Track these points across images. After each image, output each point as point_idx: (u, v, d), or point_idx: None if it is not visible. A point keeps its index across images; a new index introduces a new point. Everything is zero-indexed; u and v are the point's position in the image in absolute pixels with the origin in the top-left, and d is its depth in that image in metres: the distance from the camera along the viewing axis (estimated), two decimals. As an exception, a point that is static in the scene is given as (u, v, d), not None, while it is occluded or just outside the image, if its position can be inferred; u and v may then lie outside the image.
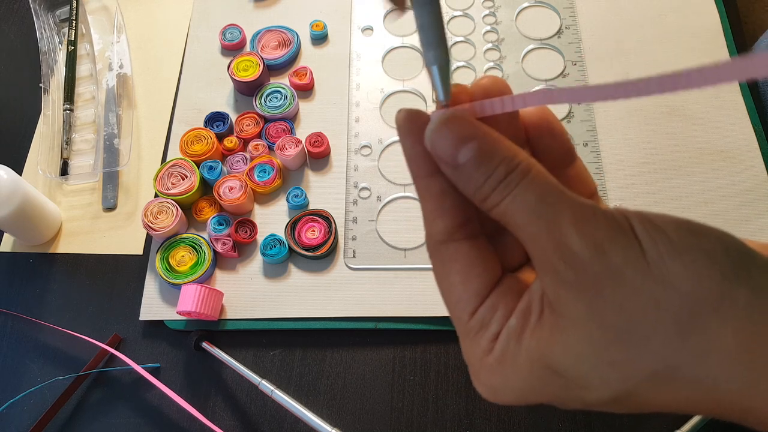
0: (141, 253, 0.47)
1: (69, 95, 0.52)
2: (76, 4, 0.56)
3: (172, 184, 0.46)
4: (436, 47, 0.21)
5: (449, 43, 0.46)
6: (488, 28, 0.53)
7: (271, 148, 0.48)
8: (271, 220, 0.47)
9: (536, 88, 0.51)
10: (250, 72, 0.50)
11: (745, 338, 0.16)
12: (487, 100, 0.21)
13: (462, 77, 0.51)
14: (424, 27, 0.21)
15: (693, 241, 0.17)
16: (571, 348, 0.18)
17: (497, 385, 0.20)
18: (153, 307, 0.44)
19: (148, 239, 0.47)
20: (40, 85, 0.53)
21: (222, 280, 0.45)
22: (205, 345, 0.42)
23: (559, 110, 0.49)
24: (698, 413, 0.18)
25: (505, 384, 0.20)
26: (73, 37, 0.55)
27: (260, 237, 0.46)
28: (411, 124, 0.21)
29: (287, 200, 0.47)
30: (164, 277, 0.44)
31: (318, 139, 0.48)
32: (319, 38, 0.54)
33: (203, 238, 0.45)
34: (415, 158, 0.21)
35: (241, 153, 0.48)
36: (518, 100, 0.20)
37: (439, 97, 0.21)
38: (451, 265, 0.21)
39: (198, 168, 0.47)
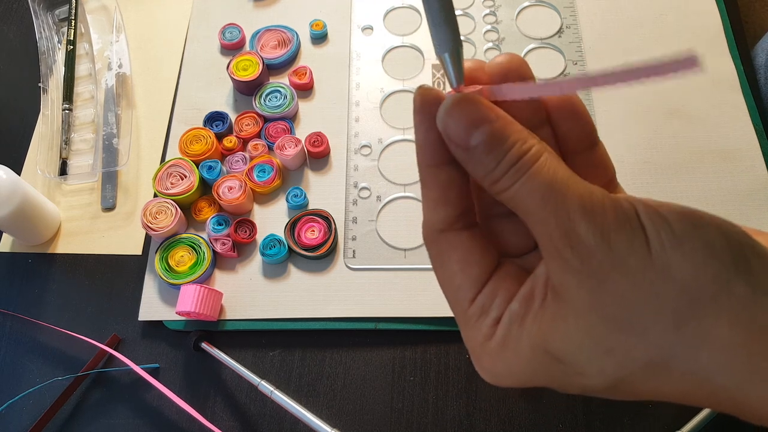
0: (140, 253, 0.47)
1: (68, 95, 0.52)
2: (75, 3, 0.56)
3: (171, 183, 0.46)
4: (446, 34, 0.20)
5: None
6: (489, 27, 0.53)
7: (270, 148, 0.48)
8: (271, 220, 0.46)
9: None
10: (250, 71, 0.50)
11: (740, 332, 0.17)
12: (504, 84, 0.20)
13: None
14: (434, 14, 0.20)
15: (694, 231, 0.17)
16: (571, 335, 0.18)
17: (499, 370, 0.20)
18: (152, 307, 0.44)
19: (147, 239, 0.47)
20: (39, 84, 0.53)
21: (221, 280, 0.45)
22: (204, 345, 0.42)
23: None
24: (693, 404, 0.19)
25: (506, 368, 0.20)
26: (72, 36, 0.55)
27: (260, 237, 0.46)
28: (428, 108, 0.20)
29: (287, 200, 0.46)
30: (163, 277, 0.44)
31: (318, 138, 0.48)
32: (319, 37, 0.54)
33: (202, 238, 0.45)
34: (428, 146, 0.21)
35: (241, 153, 0.48)
36: (534, 89, 0.19)
37: (451, 84, 0.21)
38: (450, 253, 0.21)
39: (197, 168, 0.47)
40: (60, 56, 0.55)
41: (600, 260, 0.17)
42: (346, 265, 0.44)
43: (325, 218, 0.45)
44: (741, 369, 0.17)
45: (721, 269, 0.17)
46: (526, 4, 0.54)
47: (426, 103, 0.20)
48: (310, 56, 0.53)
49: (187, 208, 0.47)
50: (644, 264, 0.17)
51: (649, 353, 0.17)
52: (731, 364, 0.17)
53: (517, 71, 0.21)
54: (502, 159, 0.19)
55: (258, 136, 0.49)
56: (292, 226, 0.45)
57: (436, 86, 0.51)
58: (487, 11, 0.54)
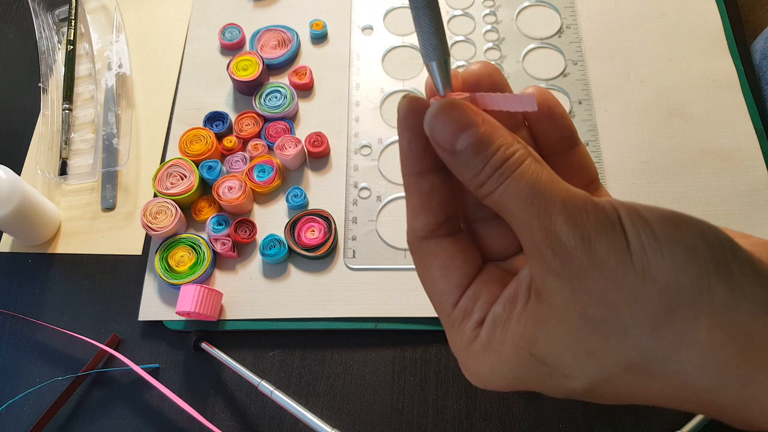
0: (140, 253, 0.47)
1: (68, 95, 0.52)
2: (75, 3, 0.56)
3: (171, 183, 0.46)
4: (433, 44, 0.21)
5: (449, 41, 0.45)
6: (488, 27, 0.53)
7: (270, 148, 0.48)
8: (271, 220, 0.46)
9: (536, 87, 0.50)
10: (250, 71, 0.50)
11: (718, 335, 0.17)
12: (488, 94, 0.21)
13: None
14: (422, 25, 0.21)
15: (675, 234, 0.17)
16: (554, 336, 0.19)
17: (483, 372, 0.20)
18: (152, 307, 0.44)
19: (147, 239, 0.47)
20: (39, 84, 0.53)
21: (221, 280, 0.45)
22: (204, 345, 0.42)
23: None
24: (678, 408, 0.19)
25: (490, 371, 0.20)
26: (72, 36, 0.55)
27: (260, 237, 0.46)
28: (411, 117, 0.21)
29: (287, 200, 0.46)
30: (163, 277, 0.43)
31: (318, 138, 0.48)
32: (319, 37, 0.54)
33: (202, 238, 0.45)
34: (410, 155, 0.21)
35: (241, 153, 0.48)
36: (514, 102, 0.20)
37: (439, 92, 0.21)
38: (432, 260, 0.21)
39: (197, 168, 0.47)
40: (60, 56, 0.55)
41: (581, 262, 0.17)
42: (346, 265, 0.44)
43: (325, 218, 0.45)
44: (719, 371, 0.17)
45: (701, 272, 0.17)
46: (526, 4, 0.54)
47: (409, 112, 0.21)
48: (310, 56, 0.53)
49: (187, 208, 0.47)
50: (624, 266, 0.17)
51: (629, 355, 0.18)
52: (709, 366, 0.17)
53: (489, 78, 0.22)
54: (488, 162, 0.19)
55: (258, 136, 0.49)
56: (292, 226, 0.45)
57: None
58: (487, 11, 0.54)
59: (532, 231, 0.18)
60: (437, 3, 0.21)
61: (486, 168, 0.19)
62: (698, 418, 0.38)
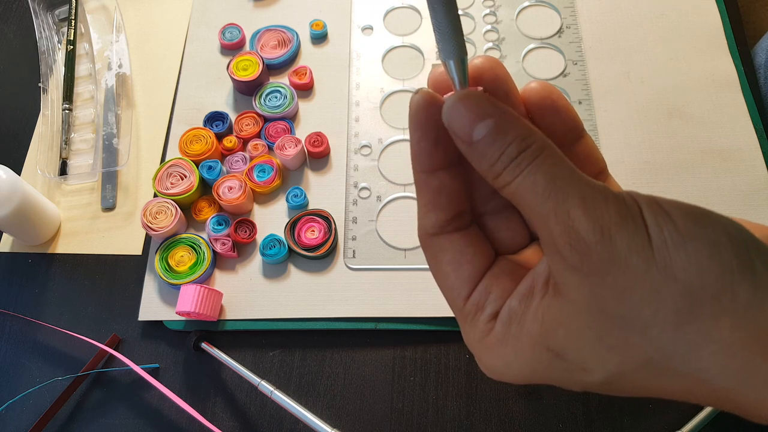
0: (140, 253, 0.47)
1: (68, 95, 0.52)
2: (75, 3, 0.56)
3: (171, 183, 0.46)
4: (451, 42, 0.21)
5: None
6: (489, 27, 0.53)
7: (270, 148, 0.48)
8: (271, 220, 0.46)
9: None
10: (250, 71, 0.50)
11: (741, 334, 0.16)
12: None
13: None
14: (441, 24, 0.21)
15: (698, 230, 0.17)
16: (573, 331, 0.18)
17: (497, 366, 0.20)
18: (152, 307, 0.44)
19: (147, 239, 0.47)
20: (39, 84, 0.53)
21: (221, 280, 0.45)
22: (204, 345, 0.42)
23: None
24: (694, 402, 0.19)
25: (507, 365, 0.20)
26: (72, 36, 0.55)
27: (260, 237, 0.46)
28: (422, 114, 0.21)
29: (287, 200, 0.46)
30: (163, 277, 0.43)
31: (318, 138, 0.48)
32: (319, 37, 0.54)
33: (202, 238, 0.45)
34: (420, 152, 0.21)
35: (241, 153, 0.48)
36: None
37: (455, 89, 0.21)
38: (442, 255, 0.21)
39: (197, 168, 0.47)
40: (60, 56, 0.55)
41: (600, 258, 0.17)
42: (346, 265, 0.44)
43: (325, 218, 0.45)
44: (740, 371, 0.17)
45: (725, 269, 0.16)
46: (526, 4, 0.54)
47: (421, 107, 0.21)
48: (310, 56, 0.53)
49: (187, 208, 0.47)
50: (646, 261, 0.17)
51: (649, 351, 0.17)
52: (731, 366, 0.17)
53: (491, 71, 0.22)
54: (504, 152, 0.19)
55: (258, 136, 0.49)
56: (292, 226, 0.45)
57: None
58: (487, 11, 0.54)
59: (549, 225, 0.18)
60: (455, 2, 0.20)
61: (502, 158, 0.19)
62: (698, 418, 0.38)
